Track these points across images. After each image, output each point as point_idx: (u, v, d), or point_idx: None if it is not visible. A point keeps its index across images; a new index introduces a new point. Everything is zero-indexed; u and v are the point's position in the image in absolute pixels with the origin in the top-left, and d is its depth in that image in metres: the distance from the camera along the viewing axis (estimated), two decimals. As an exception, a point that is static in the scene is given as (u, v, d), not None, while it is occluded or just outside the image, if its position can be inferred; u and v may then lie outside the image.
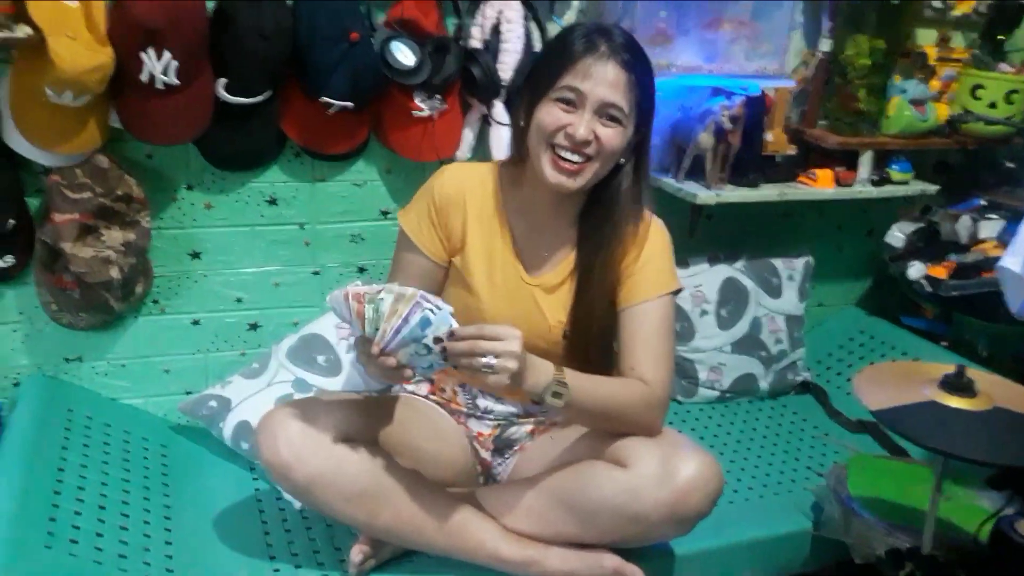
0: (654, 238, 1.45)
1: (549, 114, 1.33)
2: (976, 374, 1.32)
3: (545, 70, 1.36)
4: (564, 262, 1.46)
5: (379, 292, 1.18)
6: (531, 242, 1.47)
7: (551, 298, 1.46)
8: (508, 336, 1.22)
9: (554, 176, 1.35)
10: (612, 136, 1.33)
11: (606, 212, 1.41)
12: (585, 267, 1.43)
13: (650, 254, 1.43)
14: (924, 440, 1.22)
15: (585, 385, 1.32)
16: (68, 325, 1.70)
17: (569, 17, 1.92)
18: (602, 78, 1.31)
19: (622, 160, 1.39)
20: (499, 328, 1.22)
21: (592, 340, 1.42)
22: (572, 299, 1.45)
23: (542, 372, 1.28)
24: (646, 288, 1.42)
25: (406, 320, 1.17)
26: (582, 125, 1.31)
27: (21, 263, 1.64)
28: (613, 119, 1.32)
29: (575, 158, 1.33)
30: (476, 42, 1.80)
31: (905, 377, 1.38)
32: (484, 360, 1.20)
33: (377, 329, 1.18)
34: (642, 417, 1.36)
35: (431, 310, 1.17)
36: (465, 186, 1.47)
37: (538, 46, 1.85)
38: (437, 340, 1.19)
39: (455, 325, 1.19)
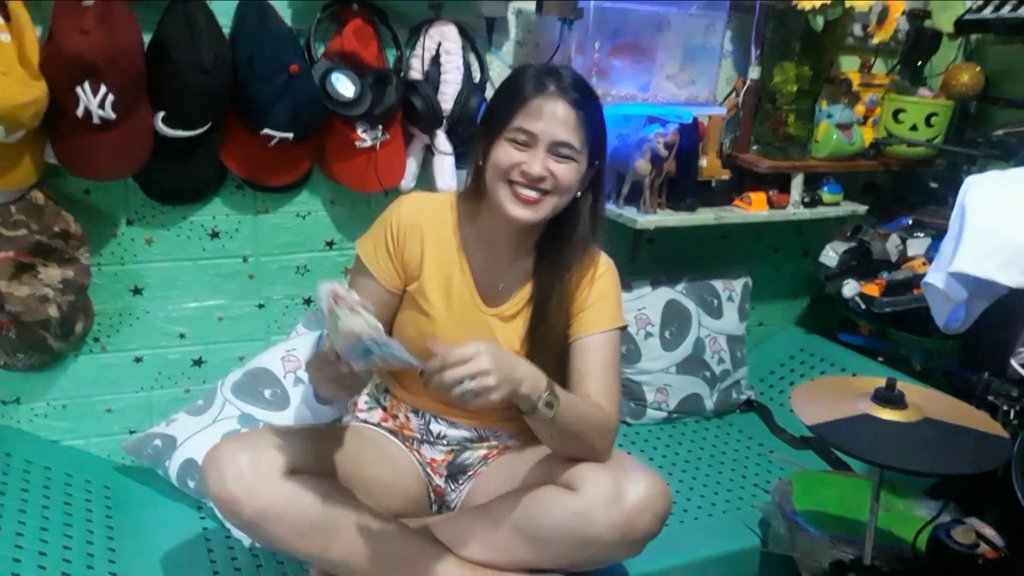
0: (606, 274, 1.49)
1: (505, 153, 1.37)
2: (907, 387, 1.37)
3: (498, 111, 1.40)
4: (520, 293, 1.49)
5: (351, 306, 1.16)
6: (488, 273, 1.49)
7: (507, 328, 1.48)
8: (473, 355, 1.18)
9: (514, 210, 1.38)
10: (566, 172, 1.37)
11: (562, 245, 1.45)
12: (541, 298, 1.46)
13: (602, 289, 1.48)
14: (859, 452, 1.26)
15: (569, 399, 1.33)
16: (4, 366, 1.66)
17: (507, 48, 1.96)
18: (552, 117, 1.35)
19: (578, 193, 1.42)
20: (462, 350, 1.18)
21: (547, 370, 1.44)
22: (528, 329, 1.47)
23: (537, 379, 1.28)
24: (598, 321, 1.46)
25: (353, 347, 1.17)
26: (536, 163, 1.36)
27: (-47, 304, 1.60)
28: (565, 156, 1.37)
29: (532, 193, 1.37)
30: (416, 73, 1.82)
31: (839, 392, 1.42)
32: (461, 388, 1.17)
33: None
34: (598, 441, 1.38)
35: (376, 345, 1.14)
36: (423, 216, 1.48)
37: (478, 76, 1.88)
38: (384, 360, 1.17)
39: (398, 354, 1.15)
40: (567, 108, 1.36)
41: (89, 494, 1.63)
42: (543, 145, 1.36)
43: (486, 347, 1.20)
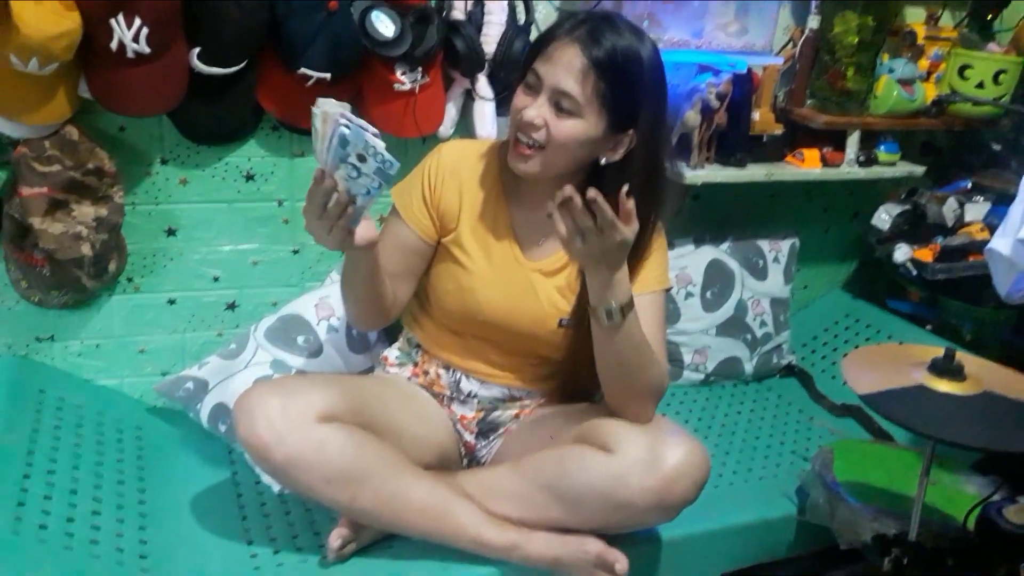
0: (655, 238, 1.43)
1: (517, 97, 1.33)
2: (964, 357, 1.30)
3: (530, 53, 1.35)
4: (563, 250, 1.43)
5: (323, 111, 1.16)
6: (529, 225, 1.44)
7: (548, 283, 1.43)
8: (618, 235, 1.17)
9: (511, 160, 1.35)
10: (564, 128, 1.29)
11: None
12: None
13: (651, 252, 1.43)
14: (914, 425, 1.21)
15: (639, 331, 1.30)
16: (39, 303, 1.65)
17: (555, -10, 1.88)
18: (559, 63, 1.28)
19: (602, 162, 1.33)
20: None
21: (591, 330, 1.39)
22: (574, 287, 1.42)
23: (624, 288, 1.25)
24: (647, 281, 1.41)
25: (330, 139, 1.16)
26: (533, 108, 1.29)
27: (-12, 239, 1.59)
28: (566, 111, 1.28)
29: (526, 147, 1.32)
30: (459, 14, 1.75)
31: (893, 361, 1.36)
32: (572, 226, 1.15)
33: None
34: (648, 387, 1.35)
35: (346, 126, 1.15)
36: (463, 164, 1.44)
37: (523, 19, 1.81)
38: (361, 158, 1.17)
39: (372, 141, 1.16)
40: (579, 55, 1.26)
41: (120, 434, 1.63)
42: (546, 91, 1.29)
43: (615, 249, 1.18)
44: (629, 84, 1.30)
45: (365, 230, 1.27)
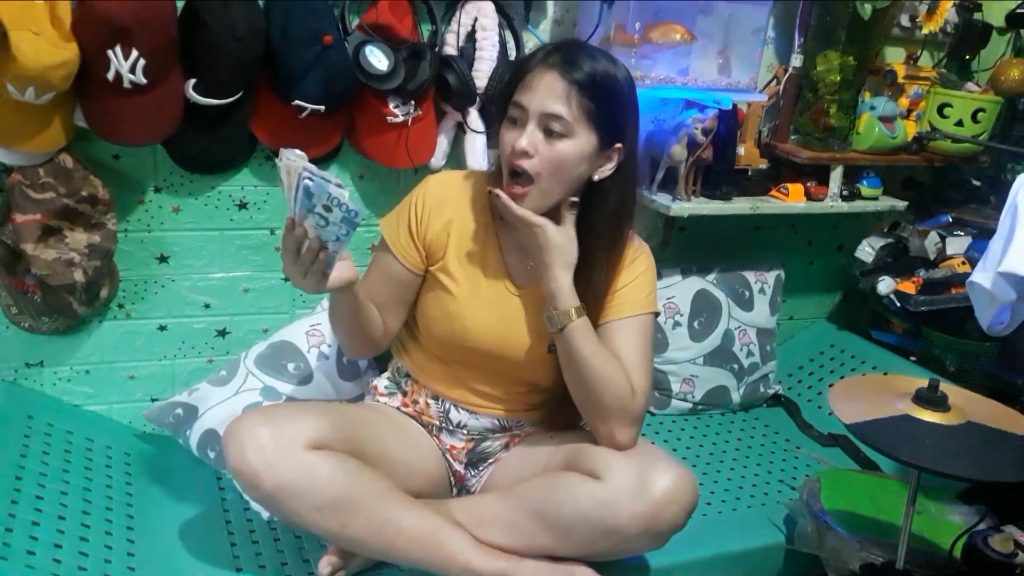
0: (639, 260, 1.46)
1: (504, 133, 1.36)
2: (948, 388, 1.32)
3: (505, 90, 1.38)
4: None
5: (286, 163, 1.19)
6: (518, 251, 1.46)
7: (537, 310, 1.44)
8: (542, 223, 1.34)
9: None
10: (557, 151, 1.31)
11: (588, 228, 1.40)
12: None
13: (635, 274, 1.45)
14: (899, 454, 1.23)
15: (593, 342, 1.36)
16: (29, 329, 1.65)
17: (544, 26, 1.92)
18: (540, 89, 1.31)
19: (596, 178, 1.36)
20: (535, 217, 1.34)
21: None
22: None
23: (566, 294, 1.35)
24: (631, 305, 1.43)
25: (296, 191, 1.18)
26: (523, 137, 1.31)
27: (-20, 265, 1.59)
28: (557, 134, 1.31)
29: (516, 187, 1.34)
30: (451, 49, 1.78)
31: (878, 391, 1.38)
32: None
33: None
34: (613, 405, 1.35)
35: (309, 179, 1.17)
36: (449, 195, 1.46)
37: (513, 54, 1.85)
38: (327, 208, 1.19)
39: (335, 192, 1.18)
40: (559, 79, 1.30)
41: (109, 460, 1.63)
42: (533, 119, 1.31)
43: (556, 230, 1.35)
44: (612, 99, 1.33)
45: (341, 271, 1.29)
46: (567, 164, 1.32)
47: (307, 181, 1.16)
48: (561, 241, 1.35)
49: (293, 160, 1.18)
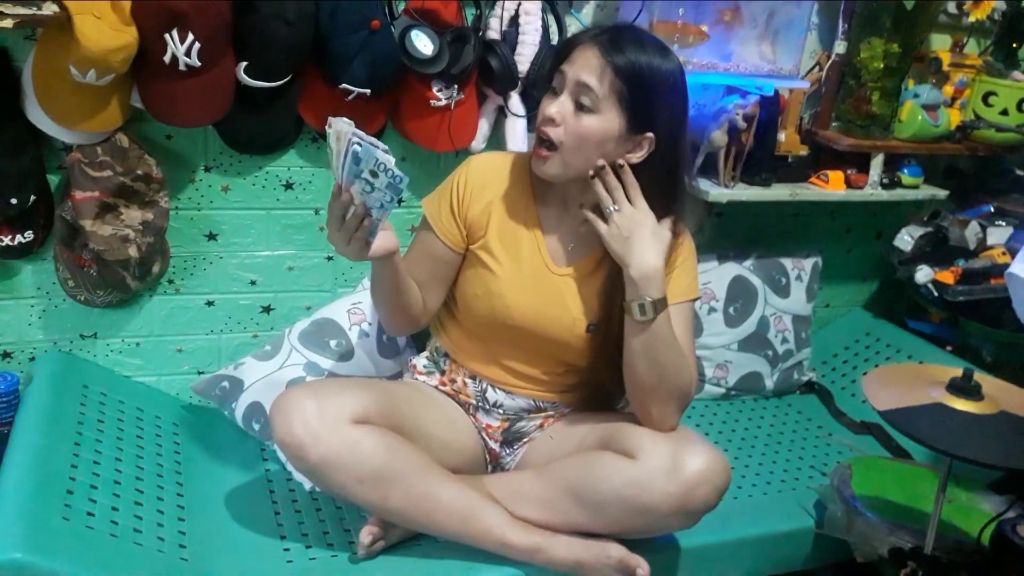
0: (681, 246, 1.47)
1: (542, 102, 1.39)
2: (982, 378, 1.33)
3: (555, 60, 1.41)
4: (591, 255, 1.48)
5: (336, 129, 1.22)
6: (558, 230, 1.48)
7: (577, 288, 1.47)
8: (631, 211, 1.36)
9: (533, 163, 1.41)
10: (582, 125, 1.34)
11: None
12: (611, 264, 1.43)
13: (681, 261, 1.46)
14: (931, 441, 1.24)
15: (671, 330, 1.38)
16: (84, 302, 1.72)
17: (587, 11, 1.93)
18: (578, 61, 1.34)
19: (620, 162, 1.37)
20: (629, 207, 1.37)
21: (621, 336, 1.43)
22: (602, 293, 1.46)
23: (653, 283, 1.35)
24: (676, 291, 1.43)
25: (344, 156, 1.21)
26: (554, 104, 1.35)
27: (40, 239, 1.66)
28: (587, 108, 1.34)
29: (542, 149, 1.37)
30: (494, 33, 1.81)
31: (912, 379, 1.39)
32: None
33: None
34: (678, 389, 1.39)
35: (358, 144, 1.20)
36: (491, 176, 1.49)
37: (556, 39, 1.86)
38: (373, 174, 1.22)
39: (382, 158, 1.22)
40: (598, 55, 1.33)
41: (159, 429, 1.69)
42: (568, 87, 1.35)
43: (641, 222, 1.36)
44: (646, 87, 1.34)
45: (383, 240, 1.32)
46: (591, 139, 1.35)
47: (356, 146, 1.20)
48: (657, 229, 1.38)
49: (343, 127, 1.21)
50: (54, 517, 1.26)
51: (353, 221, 1.27)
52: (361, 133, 1.21)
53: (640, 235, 1.35)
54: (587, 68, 1.33)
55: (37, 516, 1.23)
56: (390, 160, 1.22)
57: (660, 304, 1.35)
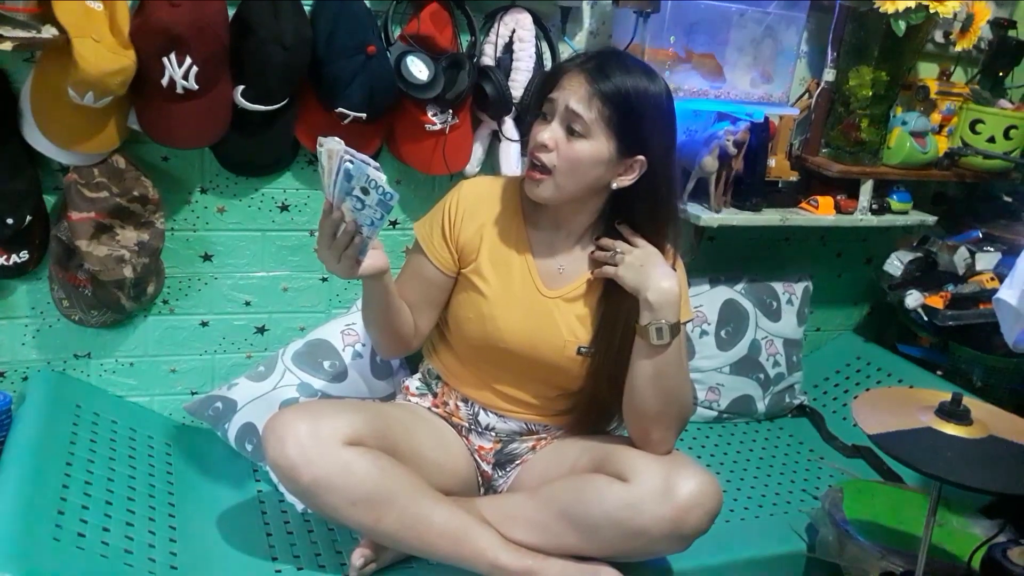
0: (677, 271, 1.47)
1: (533, 128, 1.42)
2: (972, 403, 1.34)
3: (542, 87, 1.43)
4: (581, 278, 1.49)
5: (328, 147, 1.24)
6: (550, 256, 1.50)
7: (568, 311, 1.48)
8: (641, 244, 1.41)
9: (526, 186, 1.42)
10: (574, 150, 1.36)
11: (616, 235, 1.45)
12: (604, 288, 1.46)
13: None
14: (920, 465, 1.25)
15: (682, 355, 1.41)
16: (79, 322, 1.72)
17: (580, 38, 1.96)
18: (567, 87, 1.37)
19: (614, 185, 1.39)
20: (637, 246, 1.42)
21: (615, 358, 1.45)
22: (593, 316, 1.47)
23: (669, 308, 1.37)
24: None
25: (336, 174, 1.23)
26: (546, 131, 1.37)
27: (35, 259, 1.66)
28: (578, 133, 1.36)
29: (535, 171, 1.39)
30: (489, 59, 1.83)
31: (902, 403, 1.40)
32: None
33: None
34: (681, 410, 1.43)
35: (350, 161, 1.22)
36: (482, 200, 1.51)
37: (548, 65, 1.89)
38: (364, 191, 1.24)
39: (373, 175, 1.23)
40: (585, 83, 1.35)
41: (151, 450, 1.69)
42: (559, 115, 1.37)
43: (653, 253, 1.40)
44: (634, 112, 1.36)
45: (373, 259, 1.34)
46: (582, 164, 1.37)
47: (348, 163, 1.22)
48: (652, 270, 1.40)
49: (334, 145, 1.23)
50: (45, 537, 1.25)
51: (344, 238, 1.28)
52: (352, 151, 1.23)
53: (653, 262, 1.39)
54: (575, 95, 1.35)
55: (28, 535, 1.23)
56: (381, 177, 1.24)
57: (676, 328, 1.37)
